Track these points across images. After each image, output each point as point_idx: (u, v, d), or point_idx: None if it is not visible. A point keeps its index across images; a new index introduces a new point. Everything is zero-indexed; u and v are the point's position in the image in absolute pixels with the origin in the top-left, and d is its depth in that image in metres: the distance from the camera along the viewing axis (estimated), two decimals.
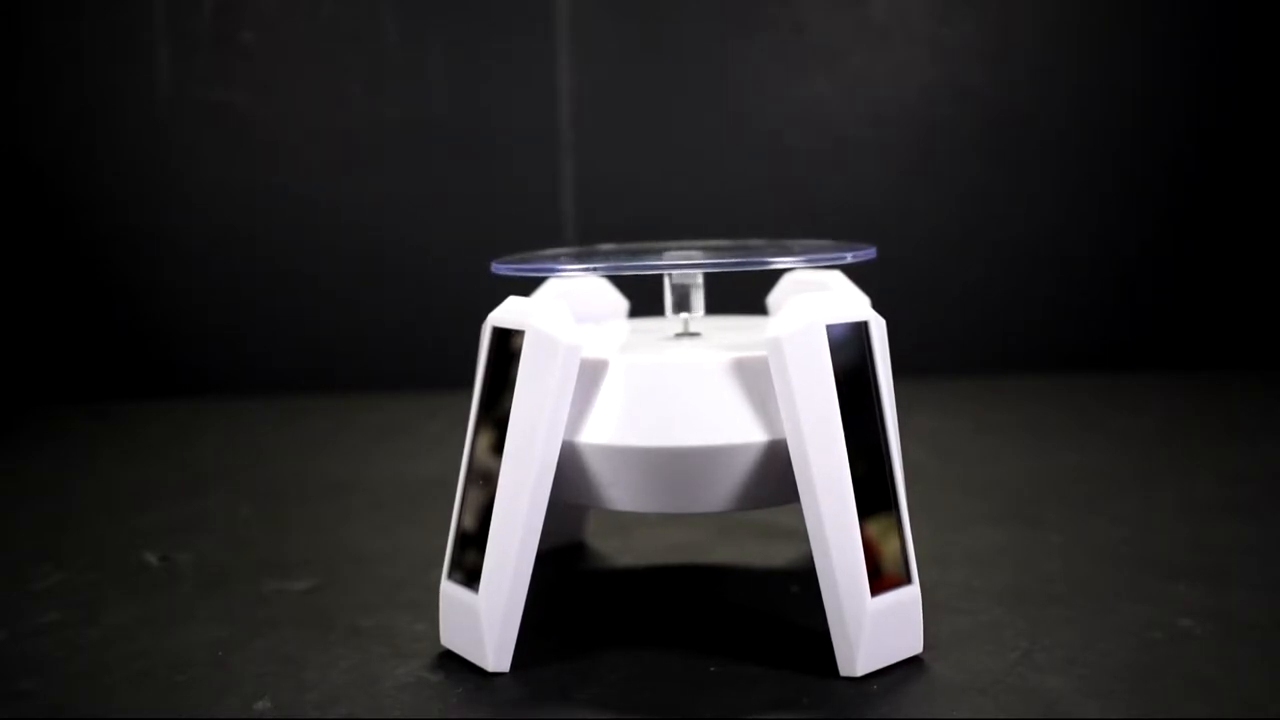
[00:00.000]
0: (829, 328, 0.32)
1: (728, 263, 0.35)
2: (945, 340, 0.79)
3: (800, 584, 0.40)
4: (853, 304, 0.33)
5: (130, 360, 0.81)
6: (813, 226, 0.67)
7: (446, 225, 0.81)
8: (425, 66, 0.80)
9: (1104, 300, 0.83)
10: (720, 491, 0.33)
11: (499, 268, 0.37)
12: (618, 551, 0.44)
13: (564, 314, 0.32)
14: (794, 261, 0.35)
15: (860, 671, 0.32)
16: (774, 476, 0.32)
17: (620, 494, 0.33)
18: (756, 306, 0.44)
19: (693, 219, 0.78)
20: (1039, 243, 0.82)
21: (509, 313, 0.33)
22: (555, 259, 0.41)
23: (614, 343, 0.37)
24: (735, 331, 0.39)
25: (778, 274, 0.42)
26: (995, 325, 0.82)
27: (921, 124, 0.82)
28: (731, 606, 0.39)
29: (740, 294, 0.38)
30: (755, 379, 0.33)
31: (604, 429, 0.33)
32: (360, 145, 0.81)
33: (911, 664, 0.33)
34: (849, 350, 0.32)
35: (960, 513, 0.49)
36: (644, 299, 0.43)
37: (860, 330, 0.33)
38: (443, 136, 0.81)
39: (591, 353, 0.34)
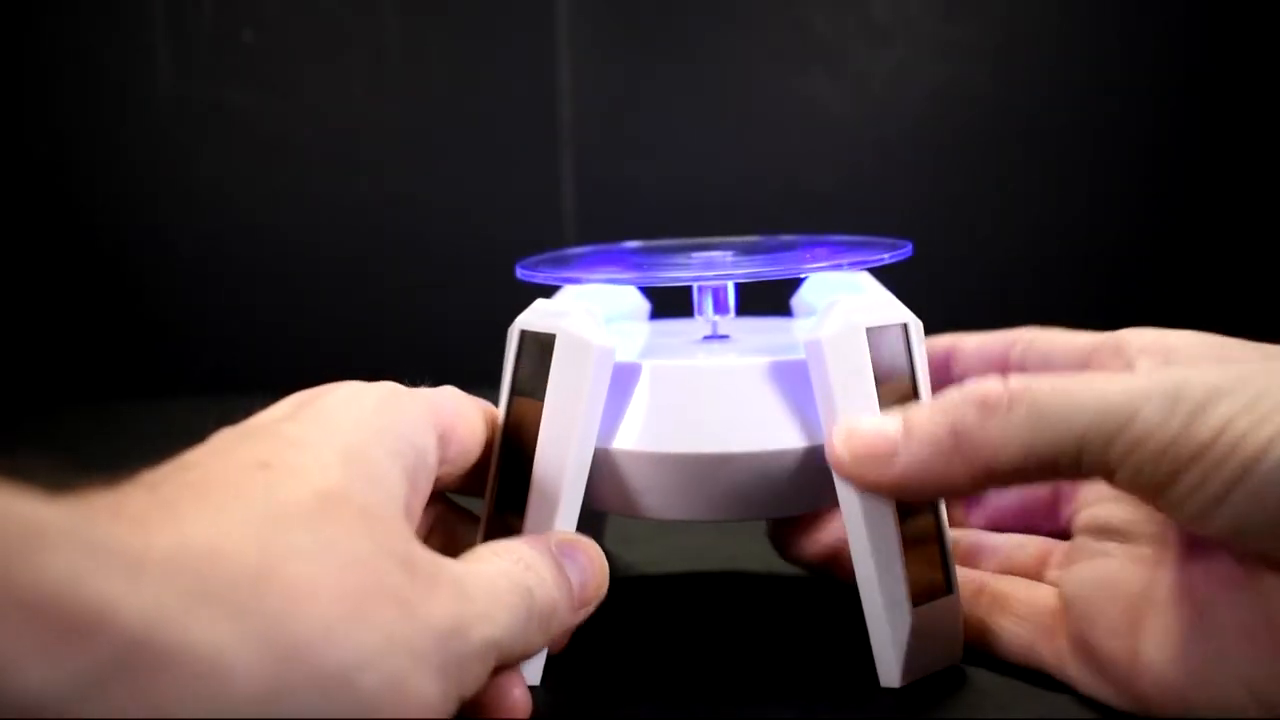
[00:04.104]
0: (869, 330, 0.31)
1: (773, 270, 0.35)
2: None
3: (820, 591, 0.40)
4: (892, 306, 0.33)
5: (130, 360, 0.81)
6: (813, 226, 0.67)
7: (446, 224, 0.82)
8: (425, 66, 0.80)
9: (1107, 301, 0.83)
10: (761, 498, 0.32)
11: (525, 274, 0.36)
12: (625, 558, 0.44)
13: (596, 317, 0.32)
14: (833, 265, 0.35)
15: (902, 682, 0.31)
16: (815, 482, 0.32)
17: (656, 501, 0.33)
18: (778, 304, 0.43)
19: (694, 218, 0.78)
20: (1042, 243, 0.83)
21: (538, 316, 0.33)
22: (578, 260, 0.40)
23: (644, 346, 0.36)
24: (765, 334, 0.38)
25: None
26: (997, 325, 0.82)
27: (924, 124, 0.82)
28: (748, 615, 0.39)
29: (760, 292, 0.38)
30: (795, 383, 0.32)
31: (642, 435, 0.32)
32: (360, 145, 0.81)
33: (952, 673, 0.33)
34: (889, 353, 0.32)
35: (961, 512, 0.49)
36: (663, 294, 0.43)
37: (901, 333, 0.32)
38: (443, 136, 0.81)
39: (625, 357, 0.33)
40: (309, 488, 0.24)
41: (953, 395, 0.29)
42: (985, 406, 0.28)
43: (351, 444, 0.26)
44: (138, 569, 0.19)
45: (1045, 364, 0.35)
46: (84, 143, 0.79)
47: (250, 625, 0.20)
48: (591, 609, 0.30)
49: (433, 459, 0.29)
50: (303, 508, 0.23)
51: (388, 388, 0.29)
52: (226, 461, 0.24)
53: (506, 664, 0.27)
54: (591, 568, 0.30)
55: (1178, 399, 0.26)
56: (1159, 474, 0.26)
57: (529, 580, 0.27)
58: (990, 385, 0.28)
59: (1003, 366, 0.36)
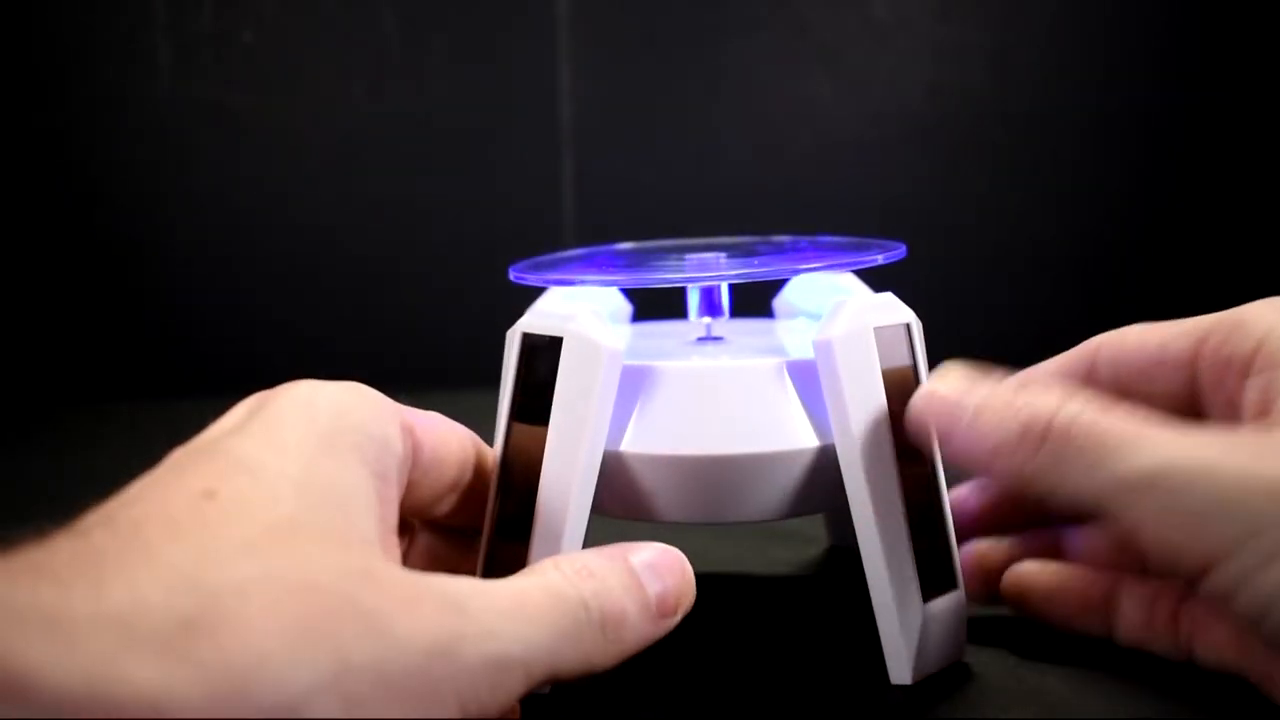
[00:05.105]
0: (876, 329, 0.31)
1: (769, 270, 0.34)
2: (945, 340, 0.79)
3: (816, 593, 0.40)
4: (895, 305, 0.33)
5: (130, 360, 0.81)
6: (813, 226, 0.67)
7: (447, 225, 0.82)
8: (425, 66, 0.80)
9: (1107, 300, 0.83)
10: (769, 500, 0.32)
11: (518, 277, 0.36)
12: None
13: (602, 318, 0.32)
14: (830, 266, 0.35)
15: (912, 679, 0.31)
16: (825, 483, 0.32)
17: (662, 505, 0.32)
18: (756, 305, 0.43)
19: (694, 218, 0.78)
20: (1040, 242, 0.83)
21: (541, 318, 0.32)
22: (572, 263, 0.40)
23: (641, 348, 0.36)
24: (757, 335, 0.38)
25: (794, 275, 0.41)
26: (996, 325, 0.82)
27: (922, 124, 0.82)
28: (751, 615, 0.39)
29: (738, 293, 0.38)
30: (803, 383, 0.32)
31: (651, 438, 0.32)
32: (361, 145, 0.81)
33: (958, 669, 0.33)
34: (893, 352, 0.32)
35: None
36: (646, 295, 0.43)
37: (904, 332, 0.32)
38: (442, 136, 0.81)
39: (633, 359, 0.33)
40: (256, 521, 0.23)
41: (1015, 399, 0.29)
42: (1025, 437, 0.28)
43: (305, 462, 0.25)
44: (61, 630, 0.19)
45: (1115, 378, 0.34)
46: (84, 143, 0.79)
47: (183, 667, 0.20)
48: (676, 620, 0.28)
49: (399, 447, 0.28)
50: (249, 541, 0.22)
51: (345, 385, 0.29)
52: (171, 491, 0.24)
53: (561, 679, 0.26)
54: (673, 577, 0.28)
55: (1173, 490, 0.26)
56: (1180, 553, 0.26)
57: (584, 589, 0.26)
58: (1038, 408, 0.28)
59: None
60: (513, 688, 0.24)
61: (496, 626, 0.24)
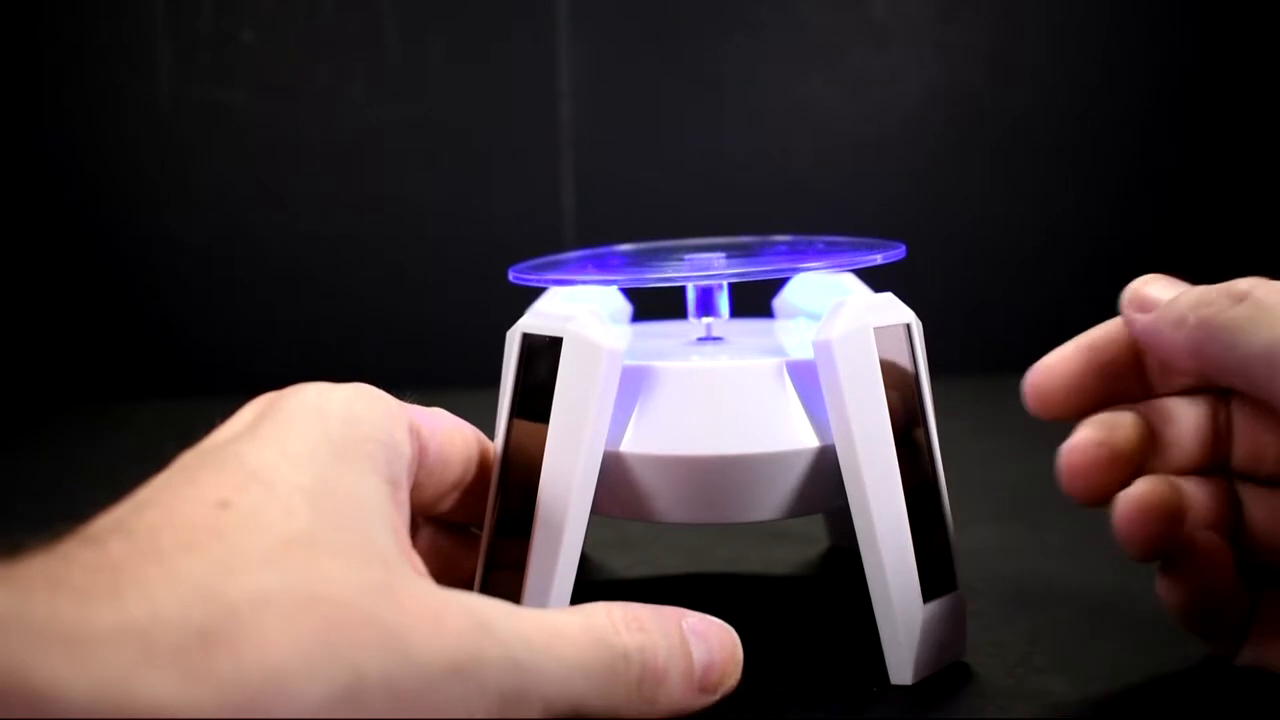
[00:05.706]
0: (875, 330, 0.31)
1: (769, 270, 0.34)
2: (945, 340, 0.79)
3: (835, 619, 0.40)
4: (895, 306, 0.33)
5: (130, 360, 0.81)
6: (813, 226, 0.67)
7: (447, 225, 0.82)
8: (425, 66, 0.80)
9: (1105, 300, 0.83)
10: (770, 499, 0.32)
11: (519, 278, 0.36)
12: (616, 561, 0.44)
13: (602, 319, 0.31)
14: (831, 265, 0.35)
15: (913, 679, 0.31)
16: (825, 483, 0.32)
17: (663, 505, 0.32)
18: (756, 305, 0.43)
19: (694, 219, 0.78)
20: (1040, 242, 0.83)
21: (541, 319, 0.32)
22: (572, 264, 0.40)
23: (641, 348, 0.36)
24: (756, 336, 0.38)
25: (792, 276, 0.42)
26: (995, 325, 0.82)
27: (922, 124, 0.82)
28: (750, 617, 0.38)
29: (738, 293, 0.38)
30: (803, 383, 0.32)
31: (653, 438, 0.32)
32: (360, 145, 0.81)
33: (958, 669, 0.33)
34: (893, 352, 0.32)
35: (960, 513, 0.49)
36: (645, 296, 0.43)
37: (904, 332, 0.32)
38: (442, 136, 0.81)
39: (633, 359, 0.33)
40: (272, 534, 0.23)
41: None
42: (1228, 294, 0.31)
43: (319, 472, 0.25)
44: (79, 644, 0.19)
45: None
46: (84, 143, 0.79)
47: (199, 680, 0.20)
48: (715, 698, 0.28)
49: (407, 450, 0.28)
50: (266, 554, 0.22)
51: (354, 388, 0.28)
52: (184, 499, 0.23)
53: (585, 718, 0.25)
54: (724, 652, 0.28)
55: None
56: None
57: (629, 641, 0.26)
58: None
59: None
60: (522, 715, 0.24)
61: (522, 656, 0.24)
